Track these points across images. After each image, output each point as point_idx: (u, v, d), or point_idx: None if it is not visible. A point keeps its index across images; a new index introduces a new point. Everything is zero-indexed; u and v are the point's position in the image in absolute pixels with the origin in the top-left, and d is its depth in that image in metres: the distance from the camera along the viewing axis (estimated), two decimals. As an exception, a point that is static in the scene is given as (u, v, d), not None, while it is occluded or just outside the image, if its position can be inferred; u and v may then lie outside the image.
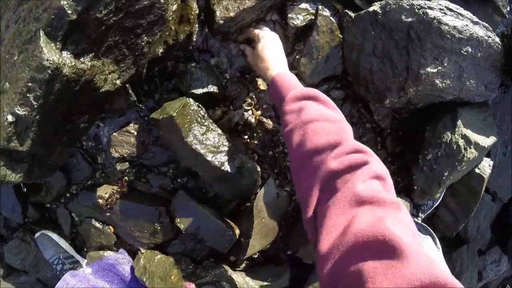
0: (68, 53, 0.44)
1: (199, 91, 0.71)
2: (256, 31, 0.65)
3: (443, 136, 0.83)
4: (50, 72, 0.43)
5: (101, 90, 0.50)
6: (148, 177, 0.81)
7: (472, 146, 0.84)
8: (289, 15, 0.72)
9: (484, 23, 0.76)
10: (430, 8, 0.64)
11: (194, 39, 0.67)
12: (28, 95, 0.43)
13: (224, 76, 0.76)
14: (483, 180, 1.04)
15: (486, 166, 1.06)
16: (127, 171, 0.79)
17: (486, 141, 0.89)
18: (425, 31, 0.64)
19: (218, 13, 0.65)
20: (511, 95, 1.12)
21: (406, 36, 0.65)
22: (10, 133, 0.44)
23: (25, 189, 0.85)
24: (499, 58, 0.81)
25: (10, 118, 0.42)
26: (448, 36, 0.66)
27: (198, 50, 0.73)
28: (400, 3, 0.65)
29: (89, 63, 0.46)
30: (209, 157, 0.69)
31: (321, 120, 0.45)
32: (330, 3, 0.74)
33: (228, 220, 0.82)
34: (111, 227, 0.86)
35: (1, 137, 0.43)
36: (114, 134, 0.74)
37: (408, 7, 0.64)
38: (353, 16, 0.72)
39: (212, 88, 0.73)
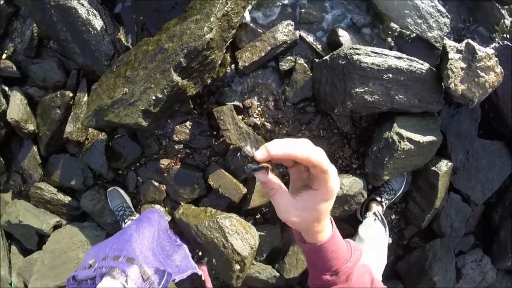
0: (179, 77, 1.11)
1: (229, 103, 1.34)
2: (316, 156, 0.38)
3: (383, 134, 1.34)
4: (174, 84, 1.10)
5: (187, 94, 1.15)
6: (193, 155, 1.41)
7: (405, 140, 1.31)
8: (280, 63, 1.36)
9: (408, 57, 1.27)
10: (357, 54, 1.23)
11: (227, 75, 1.34)
12: (164, 90, 1.09)
13: (244, 97, 1.39)
14: (438, 175, 1.46)
15: (443, 166, 1.49)
16: (181, 150, 1.40)
17: (423, 138, 1.35)
18: (351, 68, 1.22)
19: (240, 63, 1.32)
20: (464, 110, 1.55)
21: (342, 72, 1.24)
22: (151, 102, 1.09)
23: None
24: (428, 80, 1.30)
25: (154, 96, 1.08)
26: (368, 69, 1.22)
27: (229, 81, 1.38)
28: (339, 53, 1.25)
29: (185, 82, 1.12)
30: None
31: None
32: (306, 54, 1.38)
33: (240, 183, 1.35)
34: (164, 186, 1.43)
35: (146, 104, 1.08)
36: (177, 126, 1.37)
37: (343, 55, 1.24)
38: (316, 62, 1.34)
39: (237, 102, 1.36)
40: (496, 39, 1.63)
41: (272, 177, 0.42)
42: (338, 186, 0.42)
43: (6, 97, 1.60)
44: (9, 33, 1.70)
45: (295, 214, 0.42)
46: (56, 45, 1.56)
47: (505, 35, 1.62)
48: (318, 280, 0.52)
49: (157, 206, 1.45)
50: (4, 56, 1.71)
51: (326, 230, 0.48)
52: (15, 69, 1.62)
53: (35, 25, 1.55)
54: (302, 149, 0.37)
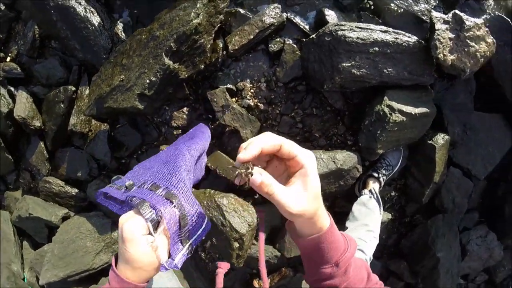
0: (171, 61, 1.22)
1: (223, 86, 1.44)
2: (296, 149, 0.45)
3: (374, 108, 1.40)
4: (166, 67, 1.20)
5: (179, 77, 1.25)
6: (192, 140, 1.51)
7: (396, 112, 1.38)
8: (269, 45, 1.45)
9: (394, 30, 1.33)
10: (341, 30, 1.30)
11: (219, 60, 1.43)
12: (157, 74, 1.19)
13: (237, 80, 1.49)
14: (435, 148, 1.51)
15: (439, 139, 1.54)
16: (179, 135, 1.49)
17: (415, 110, 1.40)
18: (337, 43, 1.29)
19: (230, 47, 1.41)
20: (459, 82, 1.60)
21: (328, 48, 1.32)
22: (145, 86, 1.20)
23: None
24: (417, 52, 1.35)
25: (148, 80, 1.19)
26: (353, 43, 1.29)
27: (221, 65, 1.48)
28: (324, 30, 1.34)
29: (177, 65, 1.23)
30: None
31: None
32: (293, 36, 1.47)
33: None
34: (168, 173, 1.53)
35: (141, 87, 1.19)
36: (175, 112, 1.47)
37: (328, 32, 1.32)
38: (304, 41, 1.43)
39: (230, 85, 1.46)
40: (487, 11, 1.68)
41: (265, 175, 0.43)
42: (312, 158, 0.45)
43: (13, 97, 1.74)
44: (12, 36, 1.85)
45: (298, 204, 0.44)
46: (57, 44, 1.69)
47: (496, 6, 1.66)
48: (316, 274, 0.52)
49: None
50: (8, 58, 1.86)
51: (325, 219, 0.49)
52: (20, 70, 1.76)
53: (36, 26, 1.69)
54: (270, 141, 0.43)
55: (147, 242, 0.45)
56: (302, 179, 0.45)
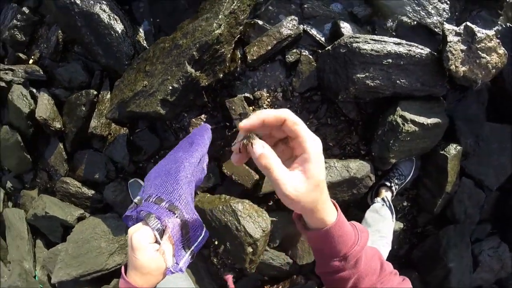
0: (193, 69, 1.28)
1: (241, 95, 1.49)
2: (300, 129, 0.42)
3: (387, 118, 1.44)
4: (188, 74, 1.26)
5: (200, 84, 1.31)
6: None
7: (409, 123, 1.41)
8: (286, 56, 1.51)
9: (407, 42, 1.38)
10: (356, 42, 1.36)
11: (238, 69, 1.49)
12: (179, 81, 1.25)
13: (254, 89, 1.54)
14: (447, 159, 1.54)
15: (451, 149, 1.57)
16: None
17: (427, 120, 1.44)
18: (351, 55, 1.34)
19: (249, 57, 1.47)
20: (471, 93, 1.64)
21: (343, 60, 1.37)
22: (168, 92, 1.25)
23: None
24: (429, 64, 1.40)
25: (171, 87, 1.24)
26: (368, 55, 1.34)
27: (239, 74, 1.54)
28: (340, 42, 1.39)
29: (198, 73, 1.29)
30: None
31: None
32: (309, 47, 1.53)
33: (252, 170, 1.48)
34: (183, 177, 1.58)
35: (164, 93, 1.25)
36: (193, 119, 1.53)
37: (343, 44, 1.37)
38: (320, 53, 1.49)
39: (247, 94, 1.51)
40: (499, 22, 1.71)
41: (267, 148, 0.40)
42: (317, 143, 0.42)
43: (34, 98, 1.81)
44: (35, 40, 1.93)
45: (296, 188, 0.40)
46: (80, 49, 1.77)
47: (508, 17, 1.69)
48: (325, 267, 0.52)
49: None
50: (31, 61, 1.94)
51: (331, 213, 0.47)
52: (42, 73, 1.84)
53: (60, 31, 1.77)
54: (275, 111, 0.41)
55: (154, 249, 0.50)
56: (304, 166, 0.41)
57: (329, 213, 0.47)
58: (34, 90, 1.83)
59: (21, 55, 1.91)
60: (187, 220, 0.54)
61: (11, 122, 1.85)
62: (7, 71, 1.88)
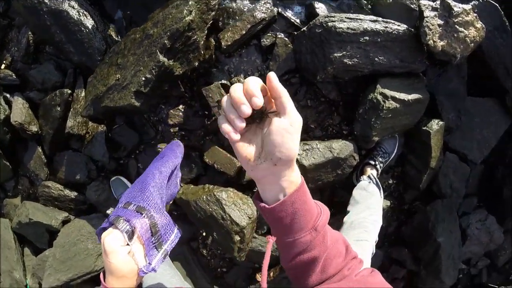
0: (165, 58, 1.25)
1: (218, 82, 1.47)
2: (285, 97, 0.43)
3: (368, 96, 1.44)
4: (161, 64, 1.23)
5: (174, 74, 1.28)
6: (188, 136, 1.53)
7: (389, 99, 1.41)
8: (261, 39, 1.49)
9: (384, 19, 1.37)
10: (331, 21, 1.35)
11: (213, 57, 1.47)
12: (152, 71, 1.22)
13: (231, 75, 1.52)
14: (430, 134, 1.55)
15: (434, 124, 1.58)
16: (176, 133, 1.52)
17: (408, 97, 1.44)
18: (327, 34, 1.33)
19: (223, 43, 1.45)
20: (451, 69, 1.63)
21: (319, 39, 1.35)
22: (141, 83, 1.23)
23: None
24: (407, 40, 1.39)
25: (144, 78, 1.21)
26: (344, 33, 1.33)
27: (215, 62, 1.51)
28: (315, 22, 1.37)
29: (171, 62, 1.26)
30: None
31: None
32: (284, 29, 1.51)
33: (234, 157, 1.47)
34: (166, 170, 1.56)
35: (137, 85, 1.22)
36: (171, 110, 1.50)
37: (318, 23, 1.36)
38: (295, 34, 1.47)
39: (224, 81, 1.49)
40: (475, -3, 1.71)
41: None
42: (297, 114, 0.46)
43: (9, 103, 1.76)
44: (6, 44, 1.88)
45: (273, 149, 0.44)
46: (51, 49, 1.72)
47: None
48: (293, 248, 0.49)
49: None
50: (2, 66, 1.89)
51: (298, 174, 0.48)
52: (15, 77, 1.79)
53: (30, 32, 1.72)
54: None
55: (126, 251, 0.50)
56: (282, 125, 0.44)
57: (298, 171, 0.47)
58: (8, 95, 1.78)
59: (-8, 61, 1.86)
60: (156, 219, 0.55)
61: (-13, 130, 1.80)
62: (-21, 79, 1.82)
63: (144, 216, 0.53)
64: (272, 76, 0.42)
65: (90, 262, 1.61)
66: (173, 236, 0.57)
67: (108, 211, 0.54)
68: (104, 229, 0.54)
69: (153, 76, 1.24)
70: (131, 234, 0.51)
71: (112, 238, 0.50)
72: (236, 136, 0.44)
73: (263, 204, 0.49)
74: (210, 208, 1.37)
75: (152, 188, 0.57)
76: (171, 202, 1.27)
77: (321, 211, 0.51)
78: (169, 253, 0.57)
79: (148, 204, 0.55)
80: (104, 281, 0.52)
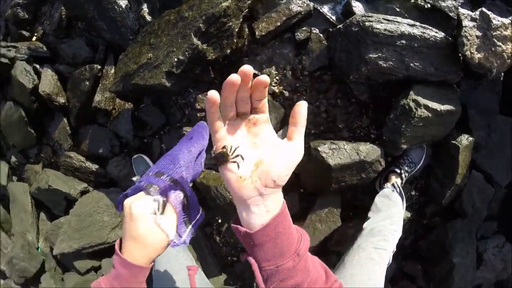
0: (199, 41, 1.24)
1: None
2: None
3: (400, 101, 1.40)
4: (194, 47, 1.23)
5: (207, 58, 1.28)
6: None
7: (422, 107, 1.36)
8: (296, 33, 1.46)
9: (421, 25, 1.33)
10: (368, 21, 1.31)
11: (245, 46, 1.45)
12: (185, 53, 1.22)
13: (262, 66, 1.50)
14: (459, 149, 1.50)
15: (463, 139, 1.52)
16: (202, 118, 1.52)
17: (440, 107, 1.39)
18: (364, 34, 1.30)
19: (257, 33, 1.43)
20: (485, 83, 1.58)
21: (356, 38, 1.32)
22: (173, 64, 1.23)
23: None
24: (444, 48, 1.35)
25: (177, 59, 1.22)
26: (381, 35, 1.29)
27: (247, 51, 1.50)
28: (352, 21, 1.34)
29: (205, 46, 1.26)
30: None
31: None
32: (319, 25, 1.48)
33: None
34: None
35: (169, 65, 1.22)
36: (199, 95, 1.51)
37: (355, 22, 1.32)
38: (331, 31, 1.44)
39: (255, 71, 1.47)
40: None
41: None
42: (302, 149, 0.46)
43: (38, 74, 1.80)
44: (38, 17, 1.93)
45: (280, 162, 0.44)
46: (83, 25, 1.75)
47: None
48: (276, 276, 0.45)
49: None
50: (34, 38, 1.94)
51: (282, 198, 0.46)
52: (45, 49, 1.83)
53: (63, 7, 1.75)
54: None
55: (155, 220, 0.48)
56: (290, 149, 0.46)
57: (281, 196, 0.47)
58: (38, 66, 1.83)
59: (24, 32, 1.92)
60: (188, 194, 0.53)
61: (15, 98, 1.86)
62: (10, 48, 1.87)
63: (178, 189, 0.52)
64: (303, 105, 0.44)
65: (103, 234, 1.64)
66: (199, 215, 0.57)
67: (134, 179, 0.52)
68: (127, 196, 0.52)
69: (186, 58, 1.24)
70: (161, 204, 0.50)
71: (142, 204, 0.48)
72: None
73: (244, 229, 0.46)
74: (230, 195, 1.36)
75: (183, 162, 0.56)
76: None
77: (302, 236, 0.48)
78: (195, 230, 0.55)
79: (181, 177, 0.53)
80: (120, 250, 0.49)
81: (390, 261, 1.14)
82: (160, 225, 0.48)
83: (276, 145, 0.45)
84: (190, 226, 0.54)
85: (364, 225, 1.28)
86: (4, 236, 2.19)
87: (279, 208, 0.45)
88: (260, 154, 0.45)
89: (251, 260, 0.47)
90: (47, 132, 1.87)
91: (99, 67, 1.64)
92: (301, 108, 0.43)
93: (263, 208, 0.44)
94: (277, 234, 0.44)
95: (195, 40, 1.24)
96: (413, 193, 1.68)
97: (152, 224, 0.48)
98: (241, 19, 1.34)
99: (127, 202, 0.49)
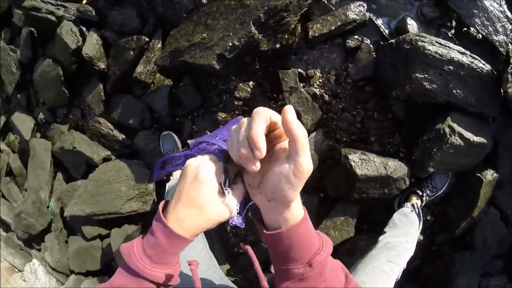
0: (256, 31, 1.27)
1: (295, 69, 1.47)
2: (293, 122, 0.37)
3: (436, 125, 1.41)
4: (251, 35, 1.26)
5: (259, 48, 1.30)
6: (249, 113, 1.54)
7: (456, 135, 1.38)
8: (347, 40, 1.49)
9: (471, 54, 1.35)
10: (422, 41, 1.33)
11: (295, 44, 1.48)
12: (241, 39, 1.25)
13: (308, 66, 1.52)
14: (482, 182, 1.51)
15: (488, 174, 1.53)
16: (239, 107, 1.54)
17: (473, 137, 1.40)
18: (415, 53, 1.31)
19: (310, 33, 1.45)
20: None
21: (405, 56, 1.34)
22: (227, 48, 1.25)
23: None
24: (488, 82, 1.37)
25: (231, 43, 1.24)
26: (431, 56, 1.31)
27: (296, 49, 1.51)
28: (405, 38, 1.36)
29: (261, 36, 1.28)
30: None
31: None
32: (371, 37, 1.50)
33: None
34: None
35: (222, 48, 1.25)
36: (240, 84, 1.52)
37: (408, 40, 1.34)
38: (382, 44, 1.46)
39: (300, 70, 1.49)
40: None
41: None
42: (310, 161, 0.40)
43: (83, 36, 1.82)
44: (90, -19, 1.94)
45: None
46: (137, -5, 1.77)
47: None
48: (287, 276, 0.46)
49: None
50: (84, 1, 1.96)
51: (300, 209, 0.45)
52: (94, 14, 1.85)
53: (119, -26, 1.77)
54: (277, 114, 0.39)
55: (221, 190, 0.44)
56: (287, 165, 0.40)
57: (299, 208, 0.45)
58: (84, 29, 1.84)
59: (75, -6, 1.93)
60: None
61: (55, 57, 1.88)
62: (59, 7, 1.89)
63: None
64: (289, 111, 0.36)
65: (118, 204, 1.65)
66: (252, 201, 0.53)
67: (189, 141, 0.49)
68: (187, 156, 0.49)
69: (240, 44, 1.27)
70: (232, 176, 0.46)
71: (212, 169, 0.44)
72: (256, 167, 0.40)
73: (260, 225, 0.47)
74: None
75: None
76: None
77: (323, 247, 0.47)
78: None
79: None
80: (165, 216, 0.44)
81: (399, 278, 1.15)
82: (227, 199, 0.45)
83: (280, 163, 0.41)
84: (247, 207, 0.50)
85: (380, 238, 1.30)
86: (16, 190, 2.21)
87: (294, 221, 0.44)
88: (267, 168, 0.42)
89: (249, 251, 0.47)
90: (80, 95, 1.88)
91: (146, 39, 1.66)
92: (290, 119, 0.36)
93: (277, 217, 0.44)
94: (291, 243, 0.44)
95: (253, 29, 1.26)
96: (428, 217, 1.69)
97: (217, 194, 0.44)
98: (299, 17, 1.36)
99: (194, 162, 0.45)
